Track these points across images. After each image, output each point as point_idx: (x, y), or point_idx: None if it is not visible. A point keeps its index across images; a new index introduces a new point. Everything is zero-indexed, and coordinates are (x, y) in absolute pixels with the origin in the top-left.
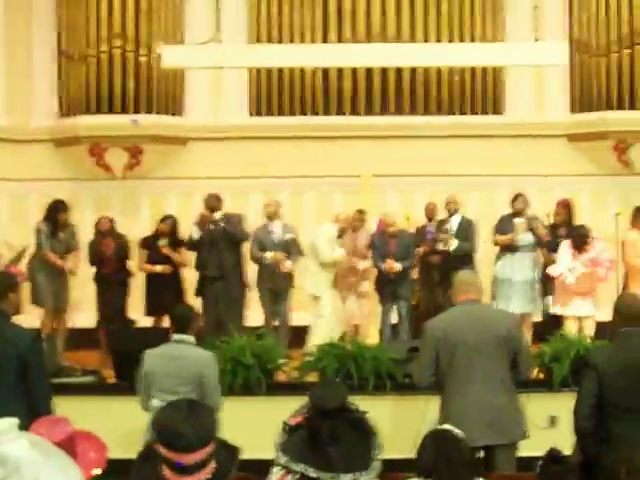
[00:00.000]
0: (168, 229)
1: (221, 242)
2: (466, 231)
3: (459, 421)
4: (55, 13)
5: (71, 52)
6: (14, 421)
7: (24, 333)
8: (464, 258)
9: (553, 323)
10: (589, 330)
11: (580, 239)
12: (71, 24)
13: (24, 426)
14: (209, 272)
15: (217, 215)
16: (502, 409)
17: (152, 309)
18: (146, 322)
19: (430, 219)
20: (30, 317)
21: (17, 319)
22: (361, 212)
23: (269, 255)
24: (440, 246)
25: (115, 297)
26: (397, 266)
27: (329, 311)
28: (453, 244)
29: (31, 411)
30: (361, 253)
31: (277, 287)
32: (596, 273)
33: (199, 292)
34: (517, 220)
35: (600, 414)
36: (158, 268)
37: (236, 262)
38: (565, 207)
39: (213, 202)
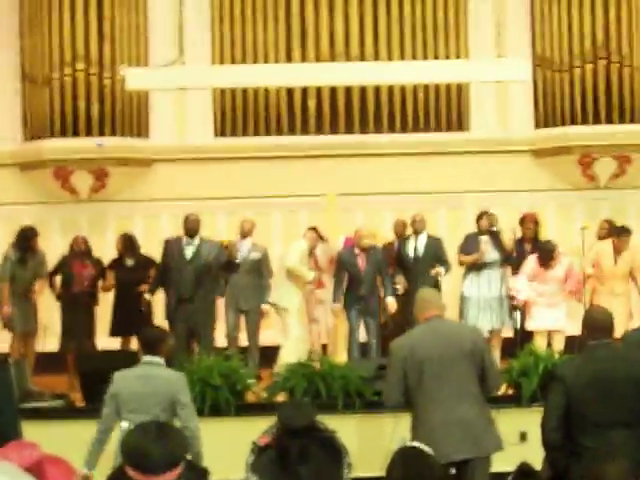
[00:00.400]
0: (122, 247)
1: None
2: (436, 250)
3: (431, 437)
4: (18, 36)
5: (35, 75)
6: None
7: None
8: (429, 274)
9: (524, 338)
10: (558, 344)
11: (546, 254)
12: (34, 47)
13: None
14: (180, 294)
15: (195, 241)
16: (474, 422)
17: (118, 330)
18: (112, 344)
19: (399, 236)
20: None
21: None
22: (314, 229)
23: None
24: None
25: (82, 318)
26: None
27: (297, 330)
28: (442, 273)
29: None
30: (323, 267)
31: (246, 306)
32: (565, 287)
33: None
34: (482, 238)
35: (568, 427)
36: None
37: (207, 283)
38: (532, 221)
39: (193, 225)
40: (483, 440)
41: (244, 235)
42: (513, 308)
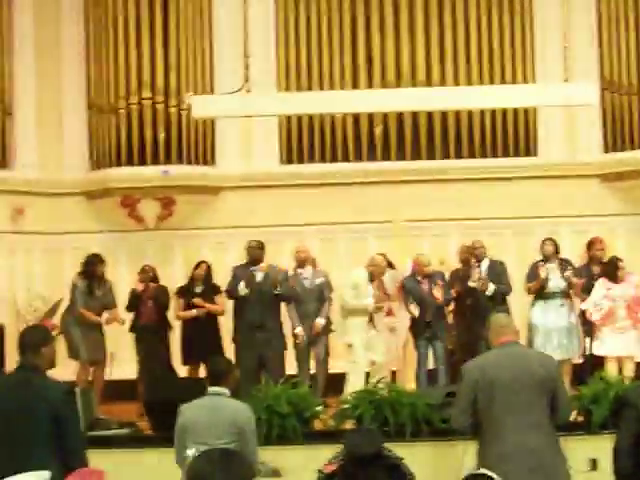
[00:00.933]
0: (202, 275)
1: (265, 297)
2: (498, 273)
3: (498, 465)
4: (84, 66)
5: (101, 104)
6: (46, 475)
7: (56, 387)
8: (498, 299)
9: (594, 365)
10: (629, 371)
11: (611, 267)
12: (100, 76)
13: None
14: (250, 321)
15: (259, 268)
16: (544, 452)
17: (188, 358)
18: (182, 372)
19: (464, 262)
20: (66, 370)
21: (53, 372)
22: (383, 255)
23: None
24: (474, 284)
25: (157, 347)
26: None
27: (361, 357)
28: (490, 289)
29: (65, 465)
30: (391, 294)
31: (313, 334)
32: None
33: (236, 340)
34: (543, 265)
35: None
36: (193, 312)
37: (277, 313)
38: (599, 243)
39: (256, 253)
40: (553, 471)
41: (300, 264)
42: (584, 334)
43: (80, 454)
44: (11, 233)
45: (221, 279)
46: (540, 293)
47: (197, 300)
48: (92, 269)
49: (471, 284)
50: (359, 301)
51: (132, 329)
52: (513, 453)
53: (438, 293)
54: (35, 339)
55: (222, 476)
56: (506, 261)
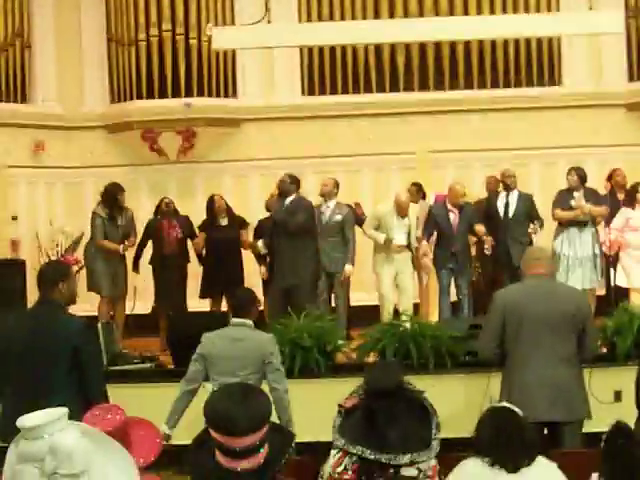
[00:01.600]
0: (224, 207)
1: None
2: (527, 207)
3: (522, 396)
4: None
5: (120, 37)
6: (64, 410)
7: (76, 322)
8: (522, 231)
9: (618, 296)
10: None
11: (631, 193)
12: (119, 9)
13: (78, 415)
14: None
15: (287, 201)
16: (566, 386)
17: (207, 291)
18: (203, 305)
19: (492, 193)
20: (87, 305)
21: (73, 307)
22: (416, 185)
23: None
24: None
25: (174, 281)
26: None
27: (386, 290)
28: (537, 230)
29: (85, 399)
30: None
31: (333, 268)
32: None
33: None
34: (576, 194)
35: None
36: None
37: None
38: (621, 173)
39: (285, 186)
40: (574, 405)
41: (324, 197)
42: (607, 265)
43: (100, 387)
44: (32, 167)
45: (243, 211)
46: (565, 222)
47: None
48: (113, 197)
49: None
50: (379, 234)
51: (152, 261)
52: (535, 385)
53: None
54: (52, 275)
55: (241, 412)
56: (531, 191)
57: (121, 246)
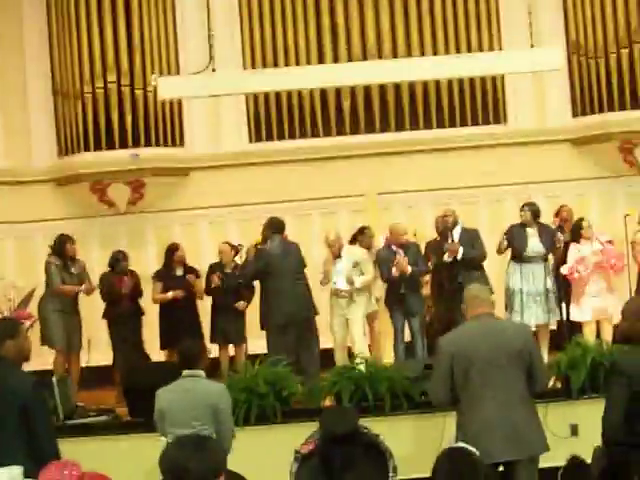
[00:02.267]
0: (183, 258)
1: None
2: (471, 239)
3: (477, 437)
4: (48, 51)
5: (66, 90)
6: (19, 470)
7: (23, 379)
8: (473, 266)
9: (572, 330)
10: (607, 334)
11: (575, 228)
12: (64, 61)
13: (31, 473)
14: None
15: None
16: (520, 423)
17: (166, 342)
18: (161, 356)
19: (441, 234)
20: (41, 359)
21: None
22: (365, 228)
23: None
24: (446, 257)
25: (131, 334)
26: (407, 267)
27: (336, 335)
28: (459, 252)
29: (36, 457)
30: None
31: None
32: (608, 264)
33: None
34: (529, 231)
35: (629, 419)
36: (169, 294)
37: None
38: (565, 210)
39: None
40: (529, 441)
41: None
42: (559, 300)
43: (50, 448)
44: None
45: (193, 258)
46: (518, 257)
47: (191, 276)
48: (63, 247)
49: (446, 258)
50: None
51: (105, 316)
52: (490, 425)
53: (403, 265)
54: (0, 332)
55: (195, 463)
56: (480, 229)
57: (81, 287)
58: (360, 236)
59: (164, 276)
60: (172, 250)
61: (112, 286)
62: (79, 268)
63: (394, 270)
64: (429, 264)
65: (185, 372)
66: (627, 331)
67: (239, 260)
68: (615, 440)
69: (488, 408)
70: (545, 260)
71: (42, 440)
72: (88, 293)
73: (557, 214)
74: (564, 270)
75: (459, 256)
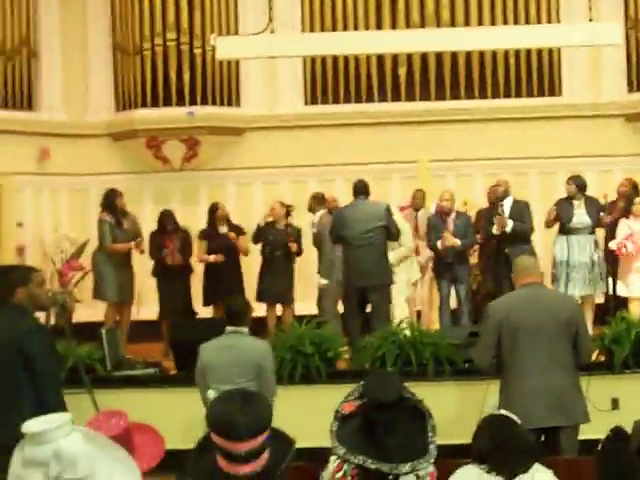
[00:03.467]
0: (225, 215)
1: None
2: (520, 212)
3: (520, 403)
4: (109, 7)
5: (126, 46)
6: (68, 416)
7: (24, 324)
8: (521, 240)
9: (617, 304)
10: None
11: (626, 204)
12: (125, 18)
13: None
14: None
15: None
16: (563, 391)
17: (209, 298)
18: (206, 312)
19: (493, 202)
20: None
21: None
22: (420, 191)
23: None
24: (494, 230)
25: (178, 290)
26: (456, 241)
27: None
28: (508, 225)
29: (40, 404)
30: (422, 233)
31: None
32: None
33: None
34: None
35: None
36: (211, 257)
37: None
38: (629, 182)
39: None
40: (572, 409)
41: (276, 220)
42: (608, 273)
43: (55, 394)
44: (38, 174)
45: (245, 218)
46: (564, 229)
47: (231, 234)
48: (113, 202)
49: (493, 230)
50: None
51: (154, 272)
52: (534, 391)
53: (449, 240)
54: (10, 281)
55: (243, 417)
56: (530, 200)
57: (132, 243)
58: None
59: (209, 234)
60: (213, 209)
61: (159, 242)
62: (130, 222)
63: (439, 243)
64: (477, 237)
65: (229, 328)
66: None
67: (290, 220)
68: None
69: (533, 375)
70: (592, 233)
71: (44, 387)
72: (139, 248)
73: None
74: (612, 245)
75: (508, 229)
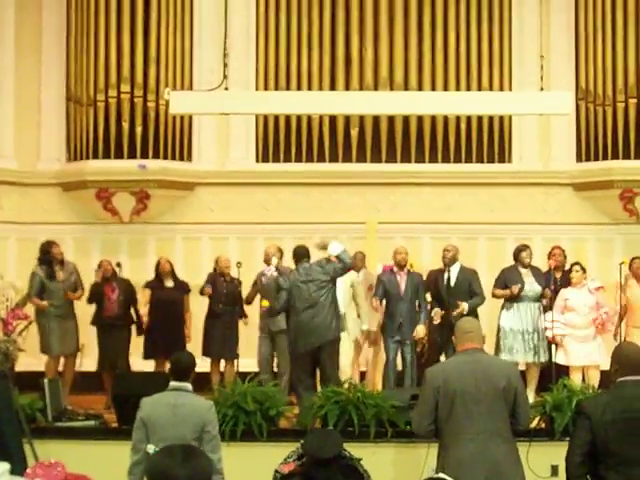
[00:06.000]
0: (171, 270)
1: None
2: (468, 280)
3: (458, 471)
4: (65, 57)
5: (79, 97)
6: (5, 466)
7: None
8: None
9: (560, 372)
10: (593, 379)
11: (567, 274)
12: (80, 69)
13: None
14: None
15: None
16: (500, 460)
17: (150, 352)
18: (148, 366)
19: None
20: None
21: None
22: (360, 253)
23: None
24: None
25: (117, 341)
26: (464, 305)
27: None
28: (465, 309)
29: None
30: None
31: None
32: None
33: None
34: (523, 271)
35: (593, 463)
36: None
37: None
38: (559, 250)
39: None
40: (509, 478)
41: (266, 261)
42: (548, 342)
43: (15, 441)
44: None
45: (193, 273)
46: (514, 296)
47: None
48: (47, 254)
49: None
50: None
51: (94, 322)
52: (471, 460)
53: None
54: None
55: (182, 471)
56: (477, 265)
57: (44, 304)
58: None
59: (154, 286)
60: (157, 264)
61: (99, 291)
62: (67, 272)
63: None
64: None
65: (172, 384)
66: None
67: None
68: None
69: (470, 442)
70: (538, 300)
71: (5, 435)
72: (73, 297)
73: (549, 256)
74: (548, 334)
75: (465, 312)
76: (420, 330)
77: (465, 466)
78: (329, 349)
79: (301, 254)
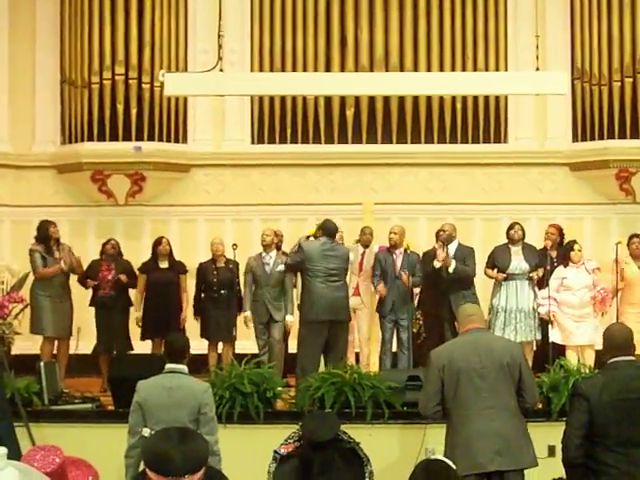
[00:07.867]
0: (168, 251)
1: None
2: (464, 255)
3: (466, 448)
4: (59, 40)
5: (74, 79)
6: (3, 450)
7: None
8: (464, 283)
9: (556, 352)
10: (589, 359)
11: (565, 250)
12: (74, 51)
13: None
14: None
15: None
16: (510, 435)
17: (148, 333)
18: (145, 347)
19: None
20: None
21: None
22: (368, 227)
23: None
24: (436, 263)
25: (114, 323)
26: (411, 279)
27: None
28: (451, 265)
29: None
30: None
31: (278, 317)
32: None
33: None
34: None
35: (590, 444)
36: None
37: None
38: (555, 229)
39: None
40: (519, 453)
41: (266, 248)
42: (543, 321)
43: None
44: None
45: (188, 255)
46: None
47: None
48: (45, 232)
49: (435, 264)
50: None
51: (92, 303)
52: (479, 437)
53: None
54: None
55: (178, 454)
56: (474, 245)
57: (58, 265)
58: None
59: (149, 268)
60: (157, 243)
61: (96, 268)
62: (63, 251)
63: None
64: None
65: (168, 366)
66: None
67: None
68: (574, 463)
69: (478, 420)
70: (529, 279)
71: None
72: (71, 270)
73: (547, 232)
74: (541, 310)
75: (450, 269)
76: (380, 288)
77: (475, 442)
78: (345, 327)
79: (331, 230)
